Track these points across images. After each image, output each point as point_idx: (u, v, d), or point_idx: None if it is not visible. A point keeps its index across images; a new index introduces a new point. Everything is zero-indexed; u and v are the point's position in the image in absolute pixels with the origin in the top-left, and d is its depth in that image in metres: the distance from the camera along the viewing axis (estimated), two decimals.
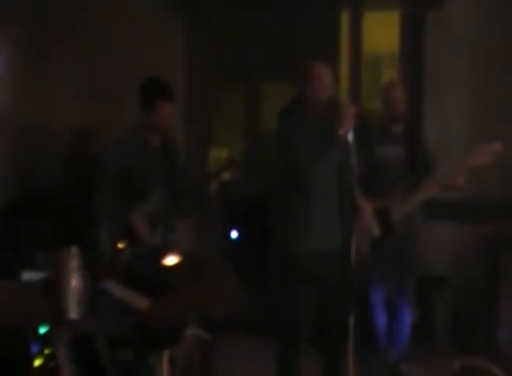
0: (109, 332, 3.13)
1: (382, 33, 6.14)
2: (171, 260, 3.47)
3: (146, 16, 5.81)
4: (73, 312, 3.00)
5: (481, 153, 4.43)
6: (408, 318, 4.81)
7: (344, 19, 6.08)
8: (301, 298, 3.92)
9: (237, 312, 3.40)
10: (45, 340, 3.00)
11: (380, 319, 4.83)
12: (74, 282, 3.05)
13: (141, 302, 3.00)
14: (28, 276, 3.28)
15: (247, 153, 6.08)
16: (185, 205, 4.22)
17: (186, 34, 5.90)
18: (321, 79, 3.97)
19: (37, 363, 3.00)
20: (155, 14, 5.80)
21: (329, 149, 3.86)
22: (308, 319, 3.97)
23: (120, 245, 3.76)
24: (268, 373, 4.00)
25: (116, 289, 3.09)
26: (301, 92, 4.02)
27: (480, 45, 5.60)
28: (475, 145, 4.54)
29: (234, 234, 5.62)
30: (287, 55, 5.97)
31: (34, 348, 3.01)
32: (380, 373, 4.83)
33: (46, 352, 2.99)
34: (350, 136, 3.82)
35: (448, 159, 4.88)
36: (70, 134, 5.74)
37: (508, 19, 5.56)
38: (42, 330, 3.01)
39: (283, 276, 4.02)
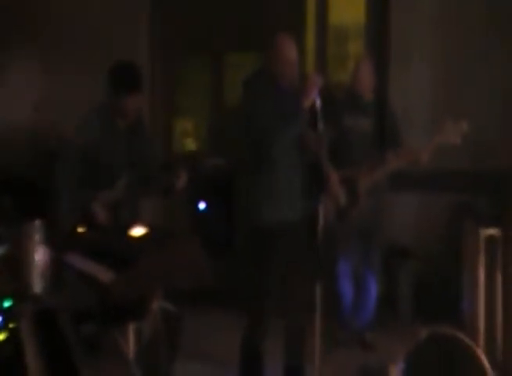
0: (74, 306, 3.10)
1: (348, 4, 6.11)
2: (137, 231, 3.45)
3: None
4: (37, 286, 2.97)
5: (449, 132, 4.48)
6: (373, 289, 4.86)
7: None
8: (268, 269, 3.93)
9: (204, 284, 3.39)
10: (9, 314, 2.97)
11: (347, 289, 4.87)
12: (38, 256, 3.02)
13: (105, 275, 2.98)
14: None
15: (212, 126, 6.05)
16: (151, 188, 4.18)
17: (149, 7, 5.84)
18: (285, 52, 3.94)
19: (1, 337, 2.97)
20: None
21: (294, 119, 3.85)
22: (276, 290, 3.98)
23: (80, 229, 3.70)
24: (234, 345, 4.02)
25: (80, 262, 3.07)
26: (266, 62, 4.00)
27: (445, 17, 5.60)
28: (440, 119, 4.59)
29: (202, 205, 5.60)
30: (252, 26, 5.93)
31: None
32: (346, 342, 4.88)
33: (10, 325, 2.96)
34: (318, 105, 3.82)
35: (413, 130, 4.91)
36: (33, 110, 5.66)
37: None
38: (6, 304, 2.97)
39: (250, 248, 4.02)
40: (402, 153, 4.63)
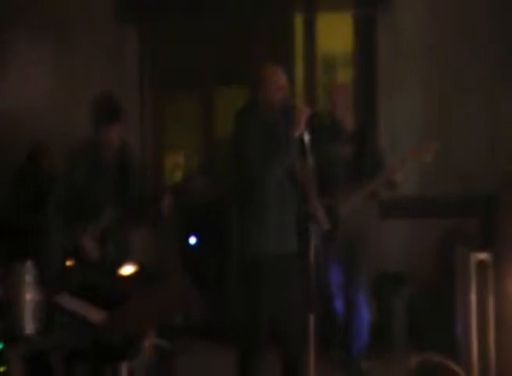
0: (66, 346, 3.12)
1: (336, 33, 6.19)
2: (127, 270, 3.48)
3: (98, 23, 5.80)
4: (28, 327, 2.99)
5: (420, 150, 4.55)
6: (366, 315, 4.85)
7: (298, 20, 6.11)
8: (260, 302, 3.95)
9: (196, 319, 3.41)
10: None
11: (341, 310, 4.89)
12: (29, 297, 3.04)
13: (96, 315, 3.00)
14: None
15: (203, 158, 6.09)
16: (139, 219, 4.19)
17: (138, 40, 5.90)
18: (274, 81, 4.00)
19: None
20: (106, 21, 5.79)
21: (284, 151, 3.91)
22: (268, 323, 3.99)
23: (69, 263, 3.72)
24: None
25: (71, 302, 3.09)
26: (256, 94, 4.06)
27: (433, 45, 5.69)
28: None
29: (193, 240, 5.64)
30: (241, 58, 5.99)
31: None
32: (340, 369, 4.88)
33: (1, 369, 2.97)
34: (306, 137, 3.88)
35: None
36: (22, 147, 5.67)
37: (457, 18, 5.66)
38: None
39: (241, 280, 4.04)
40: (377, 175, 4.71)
